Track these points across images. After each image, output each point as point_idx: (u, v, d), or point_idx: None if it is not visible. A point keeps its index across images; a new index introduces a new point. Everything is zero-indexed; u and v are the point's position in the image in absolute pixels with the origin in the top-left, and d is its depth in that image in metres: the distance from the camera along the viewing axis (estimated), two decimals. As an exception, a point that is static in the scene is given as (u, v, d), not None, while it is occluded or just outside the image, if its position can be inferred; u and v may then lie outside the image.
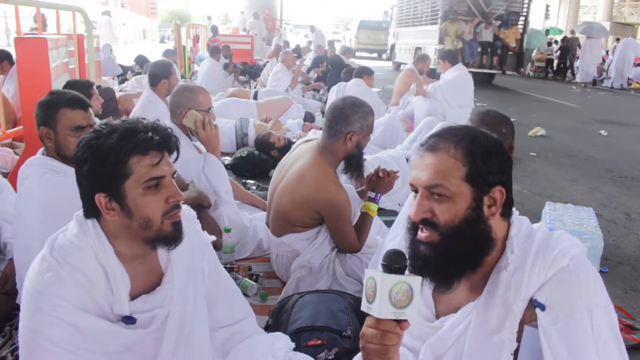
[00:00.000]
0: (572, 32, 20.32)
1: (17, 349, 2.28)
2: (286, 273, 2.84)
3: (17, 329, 2.41)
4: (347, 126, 2.67)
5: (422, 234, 1.31)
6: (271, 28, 20.83)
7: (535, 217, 4.16)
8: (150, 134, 1.39)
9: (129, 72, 10.26)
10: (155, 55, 11.70)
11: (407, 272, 1.20)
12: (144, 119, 1.46)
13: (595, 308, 1.22)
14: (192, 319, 1.59)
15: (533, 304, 1.26)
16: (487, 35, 14.36)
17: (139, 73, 9.47)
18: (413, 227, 1.34)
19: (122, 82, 9.45)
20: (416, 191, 1.34)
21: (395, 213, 3.72)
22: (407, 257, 1.22)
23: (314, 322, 2.12)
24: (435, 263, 1.29)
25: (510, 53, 14.50)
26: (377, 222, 3.29)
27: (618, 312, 2.77)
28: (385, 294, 1.14)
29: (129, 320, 1.47)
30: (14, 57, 5.53)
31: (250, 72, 11.04)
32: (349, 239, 2.72)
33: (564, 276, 1.25)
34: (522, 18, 15.05)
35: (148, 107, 4.28)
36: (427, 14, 15.40)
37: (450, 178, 1.28)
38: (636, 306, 2.97)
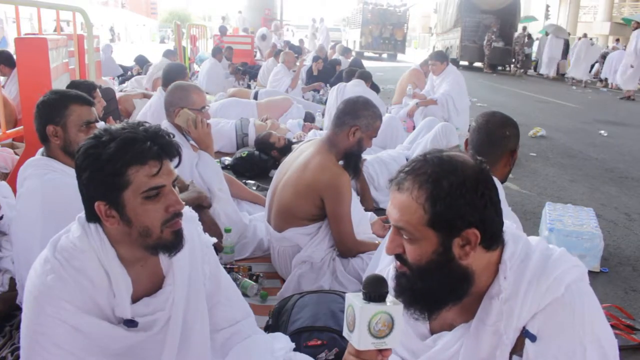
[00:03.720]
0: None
1: (17, 349, 2.29)
2: (287, 269, 2.85)
3: (17, 329, 2.42)
4: (354, 120, 2.74)
5: (396, 264, 1.29)
6: (273, 27, 20.84)
7: (535, 217, 4.18)
8: (149, 143, 1.36)
9: (131, 71, 10.28)
10: (155, 55, 11.71)
11: (389, 297, 1.17)
12: (145, 123, 1.45)
13: (589, 343, 1.18)
14: (194, 322, 1.60)
15: (524, 334, 1.23)
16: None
17: (139, 73, 9.49)
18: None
19: (122, 82, 9.46)
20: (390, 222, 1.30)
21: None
22: (386, 281, 1.18)
23: (314, 322, 2.12)
24: (409, 294, 1.26)
25: None
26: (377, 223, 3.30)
27: (618, 312, 2.78)
28: (364, 325, 1.11)
29: (130, 323, 1.47)
30: (12, 58, 5.57)
31: (250, 72, 11.04)
32: (346, 229, 2.74)
33: (557, 307, 1.21)
34: None
35: (156, 110, 4.31)
36: None
37: (411, 222, 1.22)
38: (636, 306, 2.97)
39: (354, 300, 1.14)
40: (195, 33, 14.29)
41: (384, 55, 26.03)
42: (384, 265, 1.50)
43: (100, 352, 1.44)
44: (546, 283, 1.22)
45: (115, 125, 1.43)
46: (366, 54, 25.35)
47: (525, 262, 1.27)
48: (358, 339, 1.12)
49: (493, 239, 1.26)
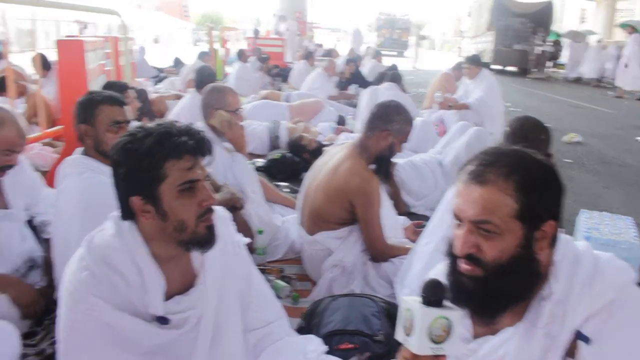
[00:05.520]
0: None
1: (55, 342, 2.34)
2: (318, 273, 2.86)
3: (55, 323, 2.47)
4: (386, 124, 2.75)
5: (466, 267, 1.24)
6: (302, 31, 20.92)
7: (569, 225, 4.10)
8: (184, 137, 1.40)
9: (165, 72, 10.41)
10: (190, 57, 11.85)
11: (446, 302, 1.14)
12: (177, 122, 1.47)
13: None
14: (226, 321, 1.61)
15: (578, 337, 1.20)
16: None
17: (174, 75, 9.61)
18: (453, 256, 1.28)
19: (156, 83, 9.59)
20: (459, 220, 1.26)
21: (426, 217, 3.70)
22: (445, 286, 1.16)
23: (346, 325, 2.13)
24: (479, 298, 1.23)
25: None
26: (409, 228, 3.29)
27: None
28: (424, 330, 1.09)
29: (162, 320, 1.49)
30: (47, 60, 5.71)
31: (282, 74, 11.10)
32: (377, 233, 2.74)
33: (613, 309, 1.18)
34: None
35: (189, 111, 4.37)
36: None
37: (499, 214, 1.20)
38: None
39: (413, 304, 1.12)
40: (228, 35, 14.43)
41: (394, 53, 30.85)
42: (433, 273, 1.46)
43: (133, 348, 1.46)
44: (599, 285, 1.20)
45: (149, 124, 1.47)
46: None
47: (575, 264, 1.25)
48: (417, 343, 1.10)
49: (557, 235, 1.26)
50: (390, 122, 2.75)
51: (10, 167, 2.42)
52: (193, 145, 1.41)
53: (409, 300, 1.14)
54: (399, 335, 1.15)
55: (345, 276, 2.78)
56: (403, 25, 33.33)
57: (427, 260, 2.34)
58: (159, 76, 10.48)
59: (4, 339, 1.90)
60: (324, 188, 2.77)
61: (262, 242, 2.97)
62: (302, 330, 2.21)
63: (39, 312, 2.43)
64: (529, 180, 1.20)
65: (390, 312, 2.24)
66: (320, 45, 17.46)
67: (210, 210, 1.47)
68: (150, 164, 1.38)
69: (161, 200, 1.40)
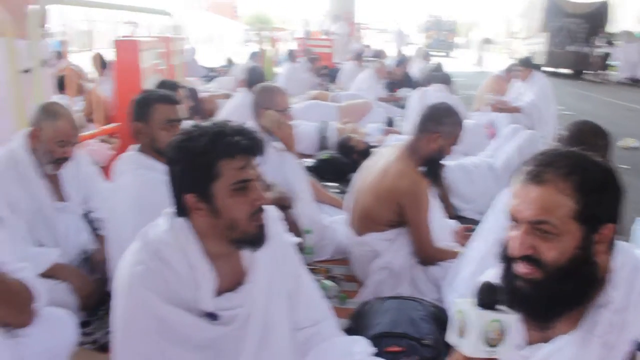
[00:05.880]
0: None
1: (108, 332, 2.41)
2: (366, 274, 2.85)
3: (108, 313, 2.55)
4: (437, 126, 2.72)
5: (522, 270, 1.22)
6: (351, 31, 20.89)
7: (626, 234, 3.95)
8: (238, 137, 1.43)
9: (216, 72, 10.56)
10: (240, 57, 12.00)
11: (500, 305, 1.12)
12: (231, 121, 1.50)
13: None
14: (274, 320, 1.62)
15: (637, 348, 1.18)
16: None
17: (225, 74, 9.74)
18: (508, 258, 1.25)
19: (206, 82, 9.75)
20: (515, 221, 1.24)
21: (475, 222, 3.64)
22: (500, 289, 1.14)
23: (394, 328, 2.11)
24: (536, 302, 1.21)
25: None
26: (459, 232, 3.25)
27: None
28: (478, 332, 1.08)
29: (212, 316, 1.52)
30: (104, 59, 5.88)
31: (330, 75, 11.11)
32: (425, 236, 2.73)
33: None
34: None
35: (239, 110, 4.43)
36: None
37: (557, 215, 1.18)
38: None
39: (467, 305, 1.11)
40: (277, 36, 14.54)
41: (441, 54, 30.62)
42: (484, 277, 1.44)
43: (183, 342, 1.49)
44: None
45: (204, 123, 1.49)
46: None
47: (635, 272, 1.22)
48: (471, 346, 1.09)
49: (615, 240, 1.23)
50: (441, 124, 2.73)
51: (65, 159, 2.52)
52: (246, 144, 1.43)
53: (463, 302, 1.13)
54: (451, 337, 1.14)
55: (392, 278, 2.76)
56: (449, 27, 34.24)
57: (477, 264, 2.30)
58: (209, 76, 10.66)
59: (64, 326, 1.97)
60: (373, 189, 2.77)
61: (310, 242, 2.98)
62: (349, 331, 2.21)
63: (94, 304, 2.50)
64: (588, 181, 1.19)
65: (438, 316, 2.22)
66: (368, 46, 17.38)
67: (261, 210, 1.49)
68: (205, 162, 1.41)
69: (214, 198, 1.43)
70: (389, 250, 2.78)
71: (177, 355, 1.49)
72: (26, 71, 3.52)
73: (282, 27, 22.64)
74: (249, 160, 1.45)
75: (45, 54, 3.86)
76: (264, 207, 1.51)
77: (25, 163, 2.51)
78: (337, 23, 18.87)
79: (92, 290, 2.52)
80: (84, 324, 2.38)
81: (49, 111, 2.53)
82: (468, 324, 1.09)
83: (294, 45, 14.60)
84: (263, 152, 1.49)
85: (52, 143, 2.48)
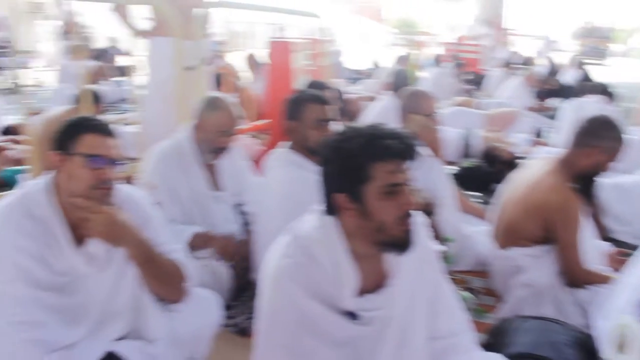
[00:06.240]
0: None
1: (249, 318, 2.53)
2: (506, 290, 2.73)
3: (250, 300, 2.68)
4: (595, 140, 2.55)
5: None
6: (499, 37, 20.14)
7: None
8: (392, 141, 1.42)
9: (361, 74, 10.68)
10: (386, 60, 12.04)
11: None
12: (386, 125, 1.50)
13: None
14: (412, 325, 1.61)
15: None
16: None
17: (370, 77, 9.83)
18: None
19: (351, 84, 9.89)
20: None
21: (629, 245, 3.37)
22: None
23: (534, 350, 2.00)
24: None
25: None
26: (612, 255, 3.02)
27: None
28: None
29: (352, 316, 1.53)
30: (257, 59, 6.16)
31: (476, 81, 10.79)
32: (574, 256, 2.55)
33: None
34: None
35: (384, 113, 4.46)
36: None
37: None
38: None
39: (631, 321, 1.05)
40: (423, 40, 14.40)
41: (595, 62, 27.80)
42: None
43: (323, 337, 1.52)
44: None
45: (359, 125, 1.51)
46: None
47: None
48: None
49: None
50: (600, 139, 2.54)
51: (224, 149, 2.68)
52: (400, 148, 1.43)
53: (627, 318, 1.06)
54: (609, 354, 1.07)
55: (535, 297, 2.62)
56: (605, 33, 32.04)
57: (635, 292, 2.11)
58: (354, 78, 10.80)
59: (210, 307, 2.08)
60: (521, 202, 2.65)
61: (450, 251, 2.92)
62: (486, 347, 2.13)
63: (238, 261, 2.68)
64: None
65: (583, 342, 2.06)
66: (517, 53, 16.63)
67: (410, 214, 1.48)
68: (358, 164, 1.43)
69: (365, 200, 1.44)
70: (533, 267, 2.64)
71: (316, 348, 1.52)
72: (189, 68, 3.82)
73: (427, 31, 22.37)
74: (401, 164, 1.45)
75: (206, 53, 4.16)
76: (413, 212, 1.50)
77: (188, 153, 2.71)
78: (485, 28, 18.28)
79: (235, 249, 2.69)
80: (227, 307, 2.50)
81: (211, 103, 2.71)
82: (631, 339, 1.02)
83: (439, 50, 14.37)
84: (416, 157, 1.48)
85: (213, 133, 2.66)
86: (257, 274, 2.61)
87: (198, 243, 2.60)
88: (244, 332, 2.48)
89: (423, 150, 3.12)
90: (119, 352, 1.76)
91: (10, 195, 1.77)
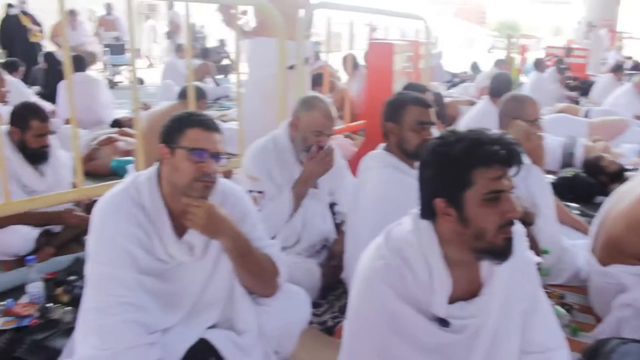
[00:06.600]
0: None
1: (337, 317, 2.56)
2: (605, 308, 2.58)
3: (338, 299, 2.71)
4: None
5: None
6: (611, 41, 19.04)
7: None
8: (496, 146, 1.39)
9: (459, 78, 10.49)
10: (485, 64, 11.76)
11: None
12: (489, 130, 1.47)
13: None
14: (505, 336, 1.57)
15: None
16: None
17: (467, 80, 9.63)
18: None
19: (450, 88, 9.74)
20: None
21: None
22: None
23: (634, 375, 1.89)
24: None
25: None
26: None
27: None
28: None
29: (443, 322, 1.51)
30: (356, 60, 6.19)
31: (582, 87, 10.28)
32: None
33: None
34: None
35: (481, 118, 4.36)
36: None
37: None
38: None
39: None
40: (525, 43, 13.90)
41: None
42: None
43: (412, 341, 1.51)
44: None
45: (460, 130, 1.49)
46: None
47: None
48: None
49: None
50: None
51: (320, 148, 2.72)
52: (504, 155, 1.40)
53: None
54: None
55: (638, 319, 2.46)
56: None
57: None
58: (453, 81, 10.63)
59: (300, 303, 2.11)
60: (626, 218, 2.49)
61: (546, 263, 2.80)
62: (582, 367, 2.04)
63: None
64: None
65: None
66: (630, 58, 15.64)
67: (511, 223, 1.44)
68: (459, 169, 1.41)
69: (464, 206, 1.41)
70: (637, 287, 2.48)
71: (404, 352, 1.52)
72: (291, 67, 3.91)
73: (531, 35, 21.56)
74: (504, 170, 1.41)
75: (307, 54, 4.24)
76: (514, 220, 1.46)
77: (285, 148, 2.77)
78: (594, 31, 17.34)
79: None
80: (315, 305, 2.52)
81: (307, 103, 2.76)
82: None
83: (542, 54, 13.82)
84: (520, 164, 1.44)
85: (308, 132, 2.70)
86: (346, 273, 2.65)
87: None
88: (330, 330, 2.50)
89: (524, 158, 3.02)
90: (210, 339, 1.83)
91: (119, 185, 1.88)
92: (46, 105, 5.90)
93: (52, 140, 3.35)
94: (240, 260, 1.87)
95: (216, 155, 1.81)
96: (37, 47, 9.97)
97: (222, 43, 13.58)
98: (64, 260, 3.02)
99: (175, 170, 1.79)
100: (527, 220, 2.61)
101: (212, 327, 1.89)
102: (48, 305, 2.54)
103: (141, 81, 10.59)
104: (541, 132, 3.04)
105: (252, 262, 1.90)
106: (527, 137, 2.91)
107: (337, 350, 1.73)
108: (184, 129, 1.80)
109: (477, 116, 4.65)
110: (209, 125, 1.82)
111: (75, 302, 2.35)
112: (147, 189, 1.82)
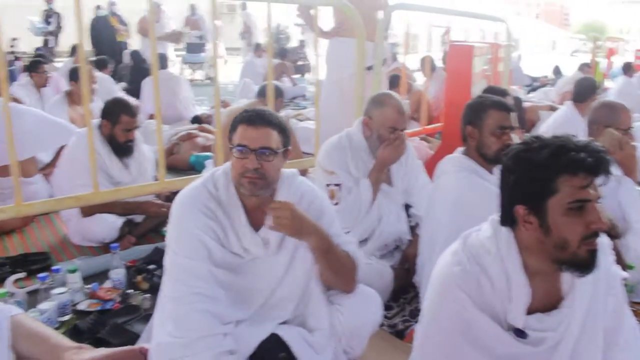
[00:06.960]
0: None
1: (407, 321, 2.54)
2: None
3: (409, 303, 2.68)
4: None
5: None
6: None
7: None
8: (582, 154, 1.33)
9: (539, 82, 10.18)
10: (568, 68, 11.33)
11: None
12: (575, 136, 1.41)
13: None
14: (585, 353, 1.50)
15: None
16: None
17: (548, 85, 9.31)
18: None
19: (529, 92, 9.45)
20: None
21: None
22: None
23: None
24: None
25: None
26: None
27: None
28: None
29: (519, 333, 1.47)
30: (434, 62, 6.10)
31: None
32: None
33: None
34: None
35: (564, 124, 4.20)
36: None
37: None
38: None
39: None
40: (612, 46, 13.27)
41: None
42: None
43: (485, 350, 1.47)
44: None
45: (545, 136, 1.44)
46: None
47: None
48: None
49: None
50: None
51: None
52: (591, 163, 1.34)
53: None
54: None
55: None
56: None
57: None
58: (533, 85, 10.29)
59: (372, 304, 2.08)
60: None
61: (631, 279, 2.66)
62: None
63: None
64: None
65: None
66: None
67: (597, 234, 1.38)
68: (543, 176, 1.36)
69: (547, 214, 1.37)
70: None
71: None
72: (369, 68, 3.91)
73: (618, 37, 20.54)
74: (591, 179, 1.35)
75: (385, 55, 4.22)
76: (600, 232, 1.40)
77: (359, 146, 2.77)
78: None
79: None
80: (386, 308, 2.50)
81: (378, 101, 2.76)
82: None
83: (632, 57, 13.13)
84: (608, 173, 1.37)
85: (382, 129, 2.69)
86: (418, 277, 2.62)
87: None
88: (400, 334, 2.48)
89: (615, 168, 2.88)
90: (282, 335, 1.85)
91: (198, 179, 1.93)
92: (132, 100, 6.16)
93: (136, 134, 3.50)
94: (325, 257, 1.88)
95: (259, 150, 1.78)
96: (123, 45, 10.47)
97: (302, 44, 13.75)
98: (144, 249, 3.16)
99: (232, 166, 1.84)
100: (613, 233, 2.50)
101: (284, 323, 1.91)
102: (128, 291, 2.67)
103: (224, 79, 10.87)
104: (634, 142, 2.89)
105: (334, 259, 1.90)
106: (620, 146, 2.78)
107: (406, 354, 1.72)
108: (236, 126, 1.83)
109: (560, 122, 4.48)
110: (254, 121, 1.81)
111: (153, 289, 2.43)
112: (223, 184, 1.86)
